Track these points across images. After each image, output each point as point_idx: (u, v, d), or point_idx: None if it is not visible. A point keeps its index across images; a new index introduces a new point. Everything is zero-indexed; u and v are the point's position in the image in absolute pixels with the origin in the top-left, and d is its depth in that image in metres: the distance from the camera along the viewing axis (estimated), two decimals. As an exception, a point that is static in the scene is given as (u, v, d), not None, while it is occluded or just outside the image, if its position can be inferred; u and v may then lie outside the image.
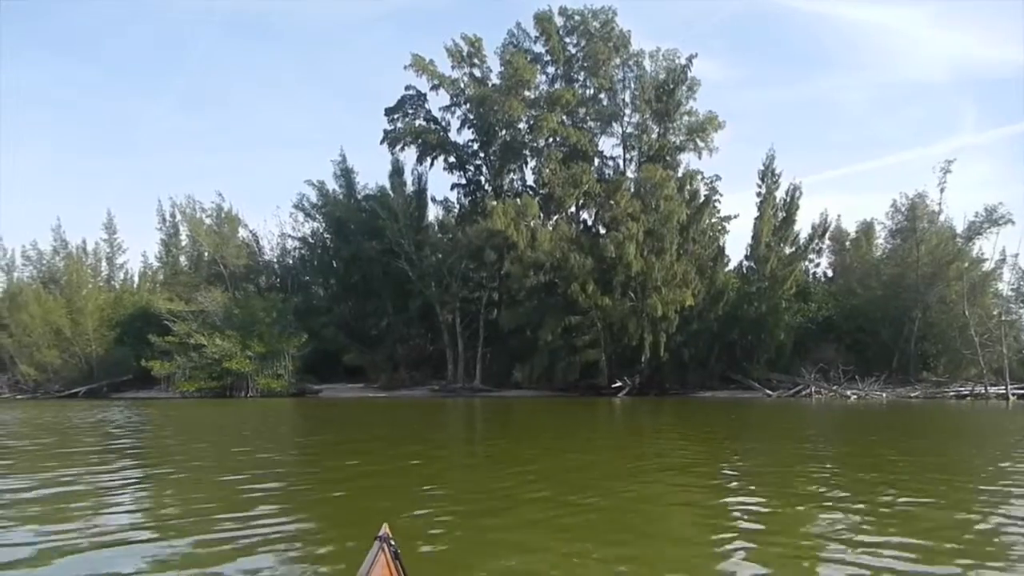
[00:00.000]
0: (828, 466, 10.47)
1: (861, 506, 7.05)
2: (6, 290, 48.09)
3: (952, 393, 34.42)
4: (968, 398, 33.52)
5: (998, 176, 76.35)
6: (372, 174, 77.16)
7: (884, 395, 33.63)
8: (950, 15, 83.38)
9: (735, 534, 5.92)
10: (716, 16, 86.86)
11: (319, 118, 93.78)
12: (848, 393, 33.66)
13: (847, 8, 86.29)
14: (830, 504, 7.20)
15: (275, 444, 14.24)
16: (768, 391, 34.86)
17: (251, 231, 48.45)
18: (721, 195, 41.02)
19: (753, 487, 8.53)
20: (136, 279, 51.64)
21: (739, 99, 79.36)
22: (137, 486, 8.47)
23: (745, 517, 6.65)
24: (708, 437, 15.19)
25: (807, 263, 42.56)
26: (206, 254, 46.42)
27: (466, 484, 8.90)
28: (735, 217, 41.41)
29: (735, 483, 9.04)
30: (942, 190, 38.79)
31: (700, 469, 10.21)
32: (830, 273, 45.21)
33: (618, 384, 36.01)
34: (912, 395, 33.92)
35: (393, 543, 2.51)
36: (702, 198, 39.99)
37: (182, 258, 49.86)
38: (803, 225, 40.09)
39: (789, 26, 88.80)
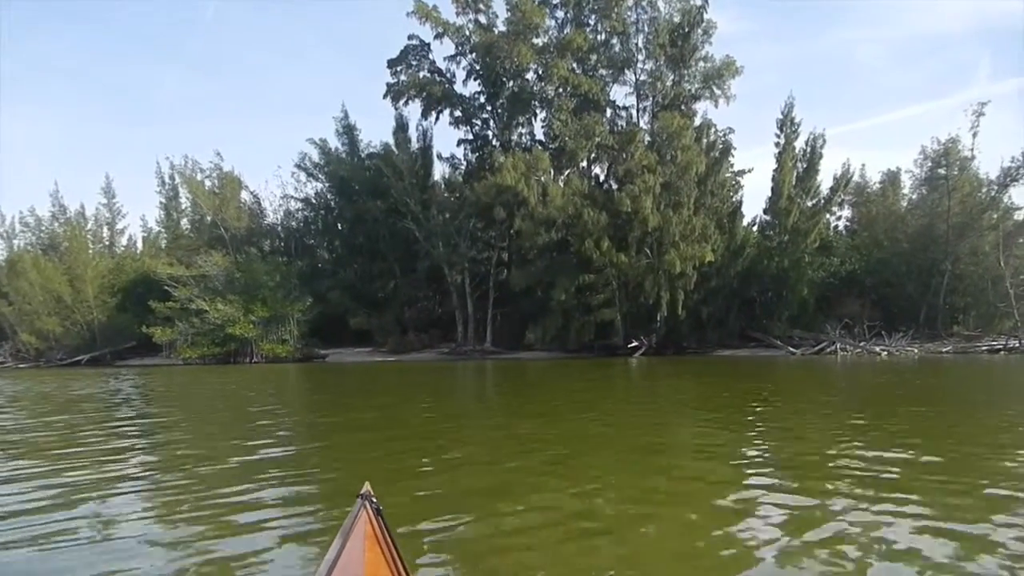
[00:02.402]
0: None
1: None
2: (6, 258, 47.12)
3: (984, 348, 32.96)
4: (1001, 352, 32.04)
5: (1015, 128, 73.39)
6: (377, 135, 75.20)
7: (915, 351, 32.21)
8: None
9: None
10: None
11: (324, 80, 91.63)
12: (877, 349, 32.25)
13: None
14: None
15: (283, 419, 13.05)
16: (791, 348, 33.49)
17: (252, 193, 47.01)
18: (735, 148, 39.17)
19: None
20: (139, 244, 50.67)
21: (748, 54, 76.27)
22: (135, 478, 7.27)
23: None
24: (767, 402, 13.85)
25: (829, 215, 40.76)
26: (207, 217, 45.04)
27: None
28: (750, 171, 39.76)
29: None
30: (975, 135, 36.81)
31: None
32: (850, 226, 43.46)
33: (634, 344, 34.76)
34: (943, 350, 32.46)
35: (375, 500, 2.47)
36: (719, 151, 38.06)
37: (183, 222, 48.54)
38: (823, 177, 38.28)
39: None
